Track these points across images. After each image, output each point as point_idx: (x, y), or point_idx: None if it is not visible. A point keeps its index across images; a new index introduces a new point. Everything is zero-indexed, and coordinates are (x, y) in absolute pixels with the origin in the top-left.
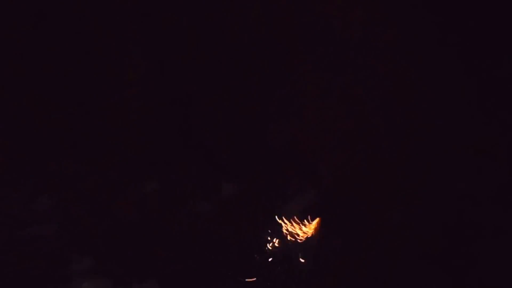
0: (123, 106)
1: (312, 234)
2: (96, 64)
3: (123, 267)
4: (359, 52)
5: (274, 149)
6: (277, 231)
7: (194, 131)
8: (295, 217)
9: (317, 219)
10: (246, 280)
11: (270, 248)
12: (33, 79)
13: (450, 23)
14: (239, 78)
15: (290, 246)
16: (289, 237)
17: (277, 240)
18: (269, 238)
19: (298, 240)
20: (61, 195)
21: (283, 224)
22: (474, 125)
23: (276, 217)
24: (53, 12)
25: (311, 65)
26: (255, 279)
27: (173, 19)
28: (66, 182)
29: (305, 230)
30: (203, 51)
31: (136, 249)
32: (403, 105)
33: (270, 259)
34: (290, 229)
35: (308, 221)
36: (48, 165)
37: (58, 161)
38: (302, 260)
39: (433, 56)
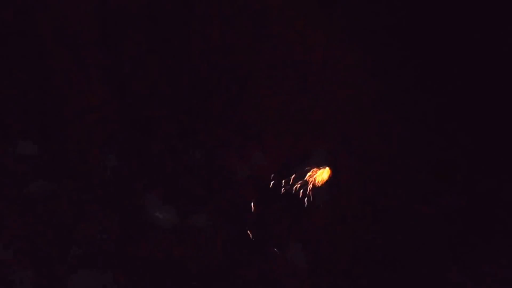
0: (84, 131)
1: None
2: (56, 88)
3: None
4: (320, 76)
5: (235, 174)
6: None
7: (155, 157)
8: None
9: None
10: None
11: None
12: None
13: (410, 47)
14: (199, 102)
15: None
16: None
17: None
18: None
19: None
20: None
21: None
22: (433, 149)
23: None
24: (13, 34)
25: (271, 90)
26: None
27: (133, 43)
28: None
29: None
30: (162, 76)
31: None
32: (362, 129)
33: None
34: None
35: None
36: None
37: (17, 188)
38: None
39: (393, 81)
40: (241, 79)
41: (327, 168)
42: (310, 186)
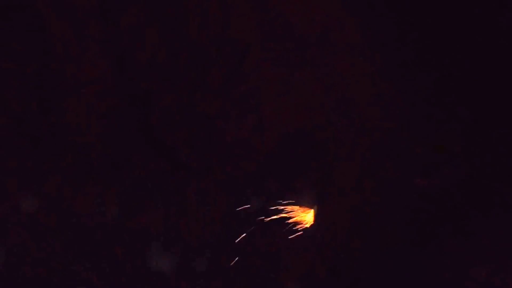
0: (82, 104)
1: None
2: (54, 61)
3: None
4: (318, 49)
5: (233, 147)
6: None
7: (154, 129)
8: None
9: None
10: None
11: None
12: None
13: (410, 19)
14: (199, 75)
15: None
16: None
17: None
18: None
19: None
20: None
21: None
22: (432, 122)
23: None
24: (12, 7)
25: (270, 62)
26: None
27: (132, 16)
28: (25, 183)
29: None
30: (161, 49)
31: None
32: (361, 102)
33: None
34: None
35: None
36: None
37: (16, 161)
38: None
39: (392, 55)
40: (240, 51)
41: (313, 210)
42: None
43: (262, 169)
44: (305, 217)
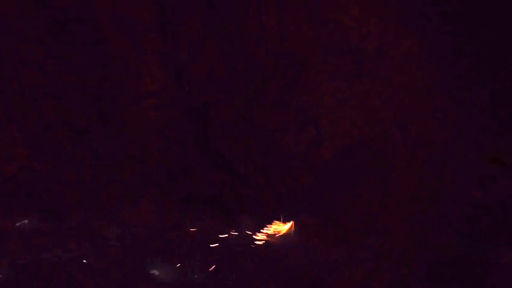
0: (142, 116)
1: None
2: (114, 74)
3: None
4: (375, 62)
5: (292, 159)
6: None
7: (211, 142)
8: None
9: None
10: None
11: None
12: (51, 89)
13: (464, 34)
14: (257, 88)
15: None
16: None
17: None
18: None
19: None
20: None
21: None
22: (487, 134)
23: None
24: (72, 20)
25: (328, 75)
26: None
27: (191, 29)
28: (85, 194)
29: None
30: (219, 62)
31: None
32: (418, 114)
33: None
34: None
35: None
36: (67, 176)
37: (76, 172)
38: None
39: (449, 67)
40: (298, 64)
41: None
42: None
43: (319, 181)
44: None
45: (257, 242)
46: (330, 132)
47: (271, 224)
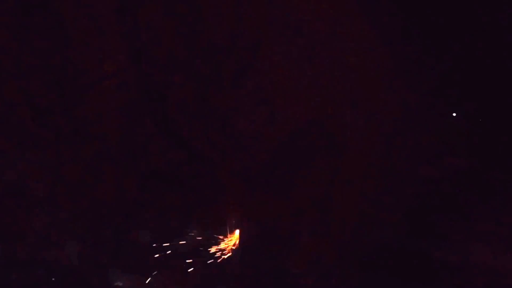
0: (102, 96)
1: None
2: (75, 56)
3: None
4: (328, 44)
5: (247, 138)
6: None
7: (171, 122)
8: None
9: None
10: None
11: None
12: (14, 71)
13: (415, 15)
14: (213, 69)
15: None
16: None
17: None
18: None
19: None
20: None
21: None
22: (437, 114)
23: None
24: (34, 5)
25: (281, 56)
26: None
27: (149, 11)
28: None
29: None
30: (177, 43)
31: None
32: (370, 94)
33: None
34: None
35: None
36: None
37: (38, 152)
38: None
39: (398, 48)
40: (253, 46)
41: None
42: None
43: (274, 159)
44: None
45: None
46: (283, 112)
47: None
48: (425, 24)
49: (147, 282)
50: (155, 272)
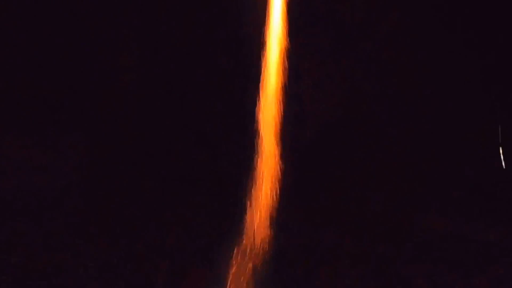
0: (118, 92)
1: None
2: (90, 50)
3: None
4: (360, 36)
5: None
6: None
7: (188, 118)
8: None
9: None
10: None
11: None
12: (21, 68)
13: (454, 9)
14: (236, 63)
15: None
16: None
17: None
18: None
19: None
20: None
21: None
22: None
23: None
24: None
25: (313, 48)
26: None
27: (169, 7)
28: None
29: None
30: (196, 40)
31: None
32: (404, 90)
33: None
34: None
35: None
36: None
37: (53, 149)
38: None
39: (436, 42)
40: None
41: None
42: None
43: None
44: None
45: None
46: (312, 109)
47: None
48: (466, 20)
49: None
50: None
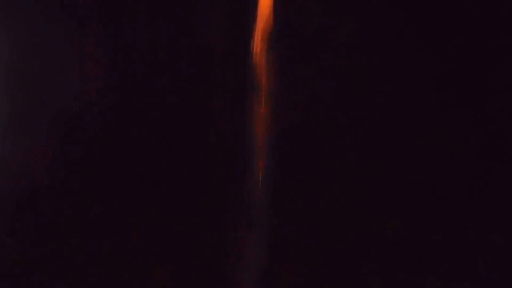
0: (84, 100)
1: None
2: (56, 56)
3: None
4: (317, 46)
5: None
6: None
7: (152, 125)
8: None
9: None
10: None
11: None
12: None
13: (409, 16)
14: (200, 74)
15: None
16: None
17: None
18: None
19: None
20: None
21: None
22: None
23: None
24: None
25: (272, 57)
26: None
27: (138, 11)
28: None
29: None
30: (162, 45)
31: None
32: (362, 97)
33: None
34: None
35: None
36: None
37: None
38: None
39: (392, 49)
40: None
41: None
42: None
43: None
44: None
45: None
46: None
47: None
48: (421, 26)
49: None
50: None
